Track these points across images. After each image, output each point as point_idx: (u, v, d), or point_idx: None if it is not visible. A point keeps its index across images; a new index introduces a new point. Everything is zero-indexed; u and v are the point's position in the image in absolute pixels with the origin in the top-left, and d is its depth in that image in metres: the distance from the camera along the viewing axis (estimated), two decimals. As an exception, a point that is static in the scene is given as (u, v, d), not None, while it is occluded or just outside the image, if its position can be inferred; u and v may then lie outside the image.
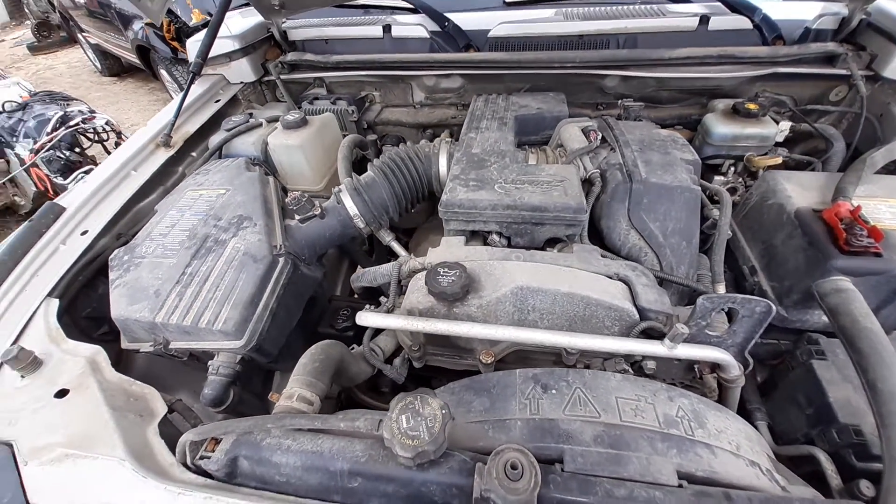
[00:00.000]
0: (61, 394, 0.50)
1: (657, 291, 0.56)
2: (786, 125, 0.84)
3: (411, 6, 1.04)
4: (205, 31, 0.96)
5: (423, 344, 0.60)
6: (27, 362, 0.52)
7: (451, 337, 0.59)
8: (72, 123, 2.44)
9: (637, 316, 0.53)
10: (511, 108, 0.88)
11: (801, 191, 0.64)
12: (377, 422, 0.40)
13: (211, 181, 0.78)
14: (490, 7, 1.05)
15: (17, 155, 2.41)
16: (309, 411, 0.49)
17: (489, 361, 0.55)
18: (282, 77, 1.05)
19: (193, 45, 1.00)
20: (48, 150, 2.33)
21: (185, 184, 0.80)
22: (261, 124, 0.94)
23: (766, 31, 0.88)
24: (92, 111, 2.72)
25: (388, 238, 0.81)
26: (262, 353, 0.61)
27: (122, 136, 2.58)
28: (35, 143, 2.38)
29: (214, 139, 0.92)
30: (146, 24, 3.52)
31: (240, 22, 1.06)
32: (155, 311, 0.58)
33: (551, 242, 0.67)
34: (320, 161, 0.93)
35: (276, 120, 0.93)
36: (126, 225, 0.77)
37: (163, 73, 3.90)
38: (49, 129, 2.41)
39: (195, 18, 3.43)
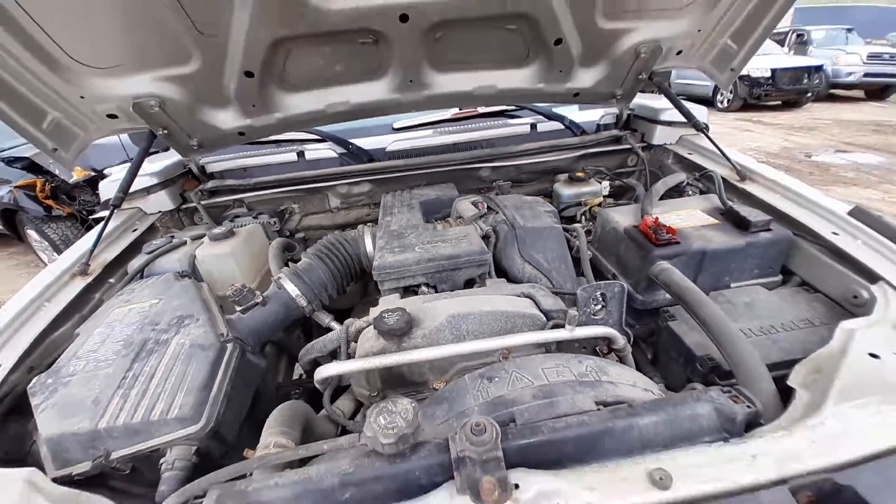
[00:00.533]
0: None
1: (553, 298, 0.73)
2: (606, 183, 1.19)
3: (319, 137, 1.28)
4: (121, 170, 1.04)
5: (381, 389, 0.66)
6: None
7: (406, 374, 0.66)
8: None
9: (544, 318, 0.69)
10: (415, 197, 1.09)
11: (623, 217, 0.92)
12: (358, 435, 0.46)
13: (139, 296, 0.80)
14: (383, 133, 1.34)
15: None
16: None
17: (442, 387, 0.64)
18: (202, 203, 1.15)
19: (108, 185, 1.07)
20: None
21: (109, 304, 0.79)
22: (185, 242, 1.00)
23: (574, 129, 1.30)
24: None
25: (326, 320, 0.88)
26: (218, 439, 0.60)
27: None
28: None
29: (135, 262, 0.94)
30: (15, 187, 3.40)
31: (156, 160, 1.17)
32: (96, 418, 0.55)
33: (468, 284, 0.82)
34: (250, 266, 1.00)
35: (200, 237, 1.00)
36: (40, 357, 0.72)
37: (30, 233, 3.65)
38: None
39: (76, 175, 3.41)
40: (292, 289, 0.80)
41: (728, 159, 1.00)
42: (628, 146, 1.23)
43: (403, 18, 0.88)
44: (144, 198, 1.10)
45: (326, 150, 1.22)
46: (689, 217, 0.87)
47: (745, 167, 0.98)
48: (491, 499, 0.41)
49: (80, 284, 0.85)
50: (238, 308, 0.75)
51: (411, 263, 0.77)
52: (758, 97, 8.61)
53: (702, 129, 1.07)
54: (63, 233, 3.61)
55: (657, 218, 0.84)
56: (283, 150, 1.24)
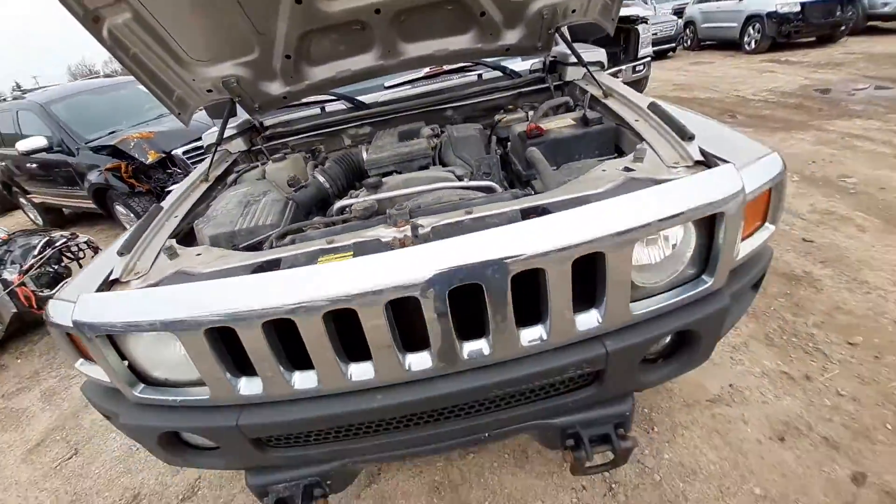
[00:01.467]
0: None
1: (465, 171, 1.29)
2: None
3: (334, 97, 1.87)
4: (217, 127, 1.69)
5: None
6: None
7: (379, 206, 1.25)
8: (58, 243, 2.94)
9: (457, 180, 1.25)
10: (396, 129, 1.67)
11: (520, 126, 1.44)
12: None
13: (241, 187, 1.44)
14: (378, 90, 1.91)
15: (2, 280, 2.81)
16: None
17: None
18: (264, 145, 1.79)
19: (209, 135, 1.72)
20: (38, 266, 2.79)
21: (224, 193, 1.44)
22: (258, 165, 1.64)
23: (512, 75, 1.80)
24: (74, 234, 3.25)
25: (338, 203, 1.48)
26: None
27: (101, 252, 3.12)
28: (21, 267, 2.83)
29: (233, 176, 1.59)
30: (105, 169, 4.25)
31: (234, 121, 1.82)
32: (232, 226, 1.19)
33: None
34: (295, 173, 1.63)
35: (265, 163, 1.64)
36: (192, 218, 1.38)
37: (118, 208, 4.55)
38: (36, 252, 2.90)
39: (151, 157, 4.24)
40: (321, 178, 1.41)
41: (598, 83, 1.48)
42: (545, 86, 1.72)
43: (377, 11, 1.42)
44: (229, 143, 1.74)
45: (339, 105, 1.82)
46: (560, 122, 1.38)
47: (610, 87, 1.46)
48: (401, 225, 0.98)
49: (203, 187, 1.50)
50: (291, 188, 1.38)
51: (385, 157, 1.35)
52: (787, 34, 8.26)
53: (585, 65, 1.55)
54: (145, 206, 4.49)
55: (536, 124, 1.36)
56: (312, 108, 1.85)
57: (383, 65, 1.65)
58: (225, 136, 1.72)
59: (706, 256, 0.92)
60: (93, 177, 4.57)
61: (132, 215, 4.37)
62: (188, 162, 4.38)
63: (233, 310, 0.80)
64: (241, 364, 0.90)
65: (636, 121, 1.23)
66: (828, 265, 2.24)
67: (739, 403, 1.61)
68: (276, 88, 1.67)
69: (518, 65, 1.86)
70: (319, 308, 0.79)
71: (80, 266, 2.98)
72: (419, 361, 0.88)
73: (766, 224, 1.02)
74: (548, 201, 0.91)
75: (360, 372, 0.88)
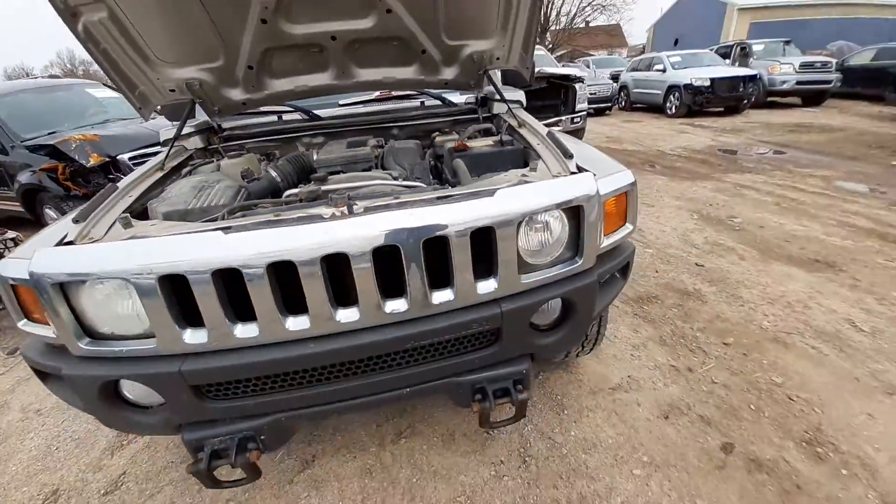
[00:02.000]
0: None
1: (399, 173, 1.51)
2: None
3: (291, 108, 2.06)
4: (176, 125, 1.81)
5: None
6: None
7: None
8: None
9: (394, 182, 1.46)
10: (345, 140, 1.88)
11: (451, 143, 1.71)
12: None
13: (196, 176, 1.56)
14: (333, 107, 2.13)
15: None
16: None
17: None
18: (220, 145, 1.92)
19: (167, 132, 1.83)
20: None
21: (179, 180, 1.55)
22: (213, 161, 1.77)
23: (450, 105, 2.10)
24: (2, 230, 3.10)
25: (288, 192, 1.64)
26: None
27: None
28: None
29: (187, 168, 1.70)
30: (40, 169, 4.09)
31: (192, 121, 1.94)
32: (188, 204, 1.31)
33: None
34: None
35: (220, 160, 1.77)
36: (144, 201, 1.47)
37: (48, 212, 4.37)
38: None
39: (93, 160, 4.14)
40: (273, 173, 1.57)
41: (515, 117, 1.80)
42: (476, 116, 2.03)
43: (333, 38, 1.66)
44: (186, 140, 1.86)
45: (296, 115, 2.01)
46: (481, 142, 1.66)
47: (524, 120, 1.77)
48: (340, 205, 1.16)
49: (159, 175, 1.60)
50: (244, 179, 1.52)
51: (333, 158, 1.55)
52: (700, 104, 9.61)
53: (506, 102, 1.87)
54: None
55: (463, 142, 1.63)
56: (269, 116, 2.02)
57: (337, 84, 1.88)
58: (183, 133, 1.84)
59: (577, 243, 1.18)
60: (24, 177, 4.34)
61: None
62: (133, 168, 4.30)
63: (188, 258, 0.93)
64: (186, 317, 1.01)
65: (538, 144, 1.53)
66: (713, 284, 2.66)
67: (635, 390, 1.87)
68: (236, 95, 1.84)
69: (456, 97, 2.17)
70: (265, 259, 0.94)
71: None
72: (348, 315, 1.04)
73: (626, 224, 1.32)
74: (457, 192, 1.14)
75: (298, 323, 1.03)
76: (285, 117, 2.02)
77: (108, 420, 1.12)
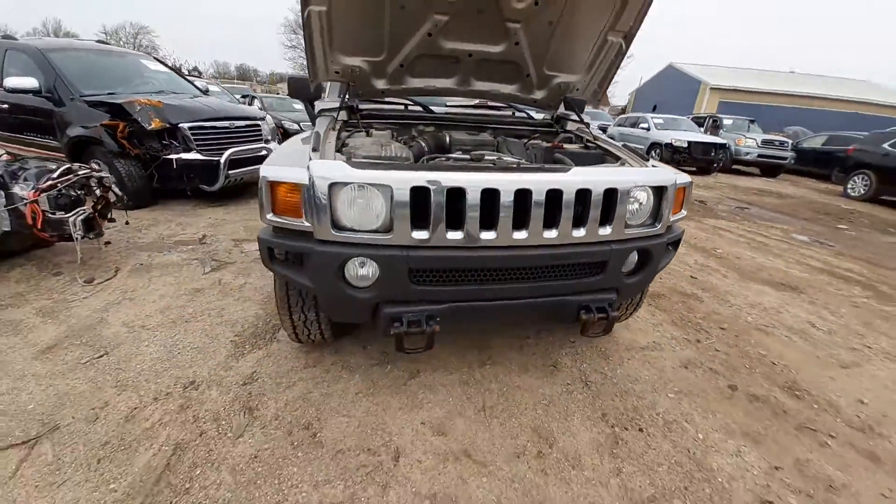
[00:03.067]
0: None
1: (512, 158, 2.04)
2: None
3: (414, 102, 2.57)
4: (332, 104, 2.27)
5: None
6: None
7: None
8: (81, 172, 3.04)
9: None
10: (465, 132, 2.40)
11: (546, 145, 2.27)
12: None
13: (365, 137, 2.02)
14: (441, 105, 2.66)
15: (10, 195, 2.84)
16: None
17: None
18: (360, 121, 2.39)
19: (324, 104, 2.29)
20: (62, 188, 2.89)
21: (353, 139, 2.01)
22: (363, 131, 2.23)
23: (532, 118, 2.68)
24: (94, 167, 3.37)
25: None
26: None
27: (114, 192, 3.21)
28: (33, 186, 2.89)
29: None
30: (102, 124, 4.36)
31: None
32: (382, 152, 1.78)
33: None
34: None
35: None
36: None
37: (94, 165, 4.53)
38: (56, 175, 2.98)
39: (154, 125, 4.46)
40: (422, 143, 2.07)
41: (587, 133, 2.40)
42: (554, 129, 2.63)
43: (470, 55, 2.22)
44: (337, 112, 2.33)
45: (417, 108, 2.52)
46: (571, 146, 2.24)
47: (596, 135, 2.37)
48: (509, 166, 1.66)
49: (333, 133, 2.05)
50: (407, 146, 2.01)
51: (467, 139, 2.07)
52: (678, 161, 10.83)
53: (585, 123, 2.48)
54: (128, 170, 4.53)
55: (559, 143, 2.19)
56: (395, 105, 2.53)
57: (456, 89, 2.42)
58: (329, 108, 2.31)
59: (657, 214, 1.74)
60: (76, 130, 4.55)
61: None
62: (192, 138, 4.59)
63: (434, 177, 1.41)
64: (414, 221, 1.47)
65: (616, 150, 2.12)
66: (707, 291, 3.31)
67: (659, 350, 2.42)
68: (380, 84, 2.34)
69: (533, 113, 2.77)
70: (481, 186, 1.43)
71: (89, 199, 3.05)
72: (521, 235, 1.53)
73: (682, 210, 1.90)
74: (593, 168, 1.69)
75: (488, 235, 1.50)
76: (410, 107, 2.53)
77: (333, 294, 1.53)
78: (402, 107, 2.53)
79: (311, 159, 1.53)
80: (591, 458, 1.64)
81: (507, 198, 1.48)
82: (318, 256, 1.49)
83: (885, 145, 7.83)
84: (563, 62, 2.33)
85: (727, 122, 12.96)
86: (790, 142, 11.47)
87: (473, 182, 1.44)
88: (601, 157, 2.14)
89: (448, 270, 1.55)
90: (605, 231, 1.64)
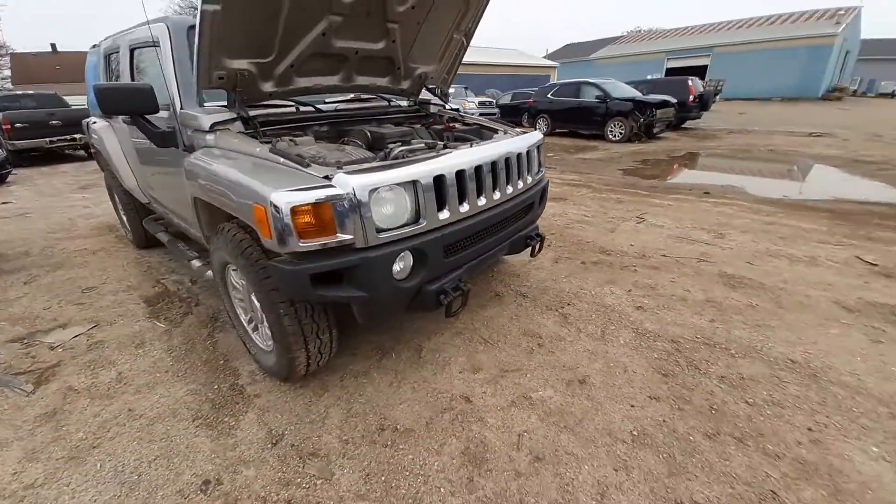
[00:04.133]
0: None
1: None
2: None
3: (303, 103, 2.43)
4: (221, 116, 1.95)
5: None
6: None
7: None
8: None
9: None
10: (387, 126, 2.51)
11: (439, 127, 2.71)
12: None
13: (307, 146, 1.92)
14: (320, 102, 2.61)
15: None
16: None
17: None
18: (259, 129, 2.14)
19: (213, 117, 1.94)
20: None
21: (306, 145, 1.87)
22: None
23: (402, 107, 3.01)
24: None
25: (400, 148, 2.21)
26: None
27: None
28: None
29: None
30: None
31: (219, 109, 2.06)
32: (348, 157, 1.81)
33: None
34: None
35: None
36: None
37: None
38: None
39: None
40: (359, 142, 2.13)
41: (447, 113, 2.97)
42: (421, 113, 3.06)
43: (356, 52, 2.34)
44: (231, 124, 2.01)
45: (307, 108, 2.42)
46: (458, 125, 2.75)
47: (458, 114, 2.97)
48: (466, 145, 2.05)
49: (257, 146, 1.85)
50: (343, 145, 2.04)
51: (393, 133, 2.28)
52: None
53: (456, 109, 3.01)
54: None
55: (450, 125, 2.67)
56: (286, 106, 2.34)
57: (340, 85, 2.49)
58: (224, 119, 2.01)
59: (539, 164, 2.54)
60: None
61: None
62: None
63: (443, 167, 1.69)
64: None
65: (489, 123, 2.79)
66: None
67: (539, 259, 3.41)
68: (267, 87, 2.16)
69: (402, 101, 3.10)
70: (476, 164, 1.81)
71: None
72: (497, 195, 2.00)
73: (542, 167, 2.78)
74: (511, 138, 2.28)
75: (482, 200, 1.91)
76: (301, 108, 2.40)
77: (386, 295, 1.62)
78: (293, 109, 2.38)
79: (329, 175, 1.51)
80: (563, 330, 2.40)
81: (487, 168, 1.91)
82: (372, 263, 1.55)
83: (549, 95, 11.71)
84: (423, 56, 2.74)
85: (451, 90, 15.93)
86: (494, 100, 15.27)
87: (471, 161, 1.80)
88: (479, 130, 2.77)
89: (463, 238, 1.88)
90: (528, 180, 2.31)
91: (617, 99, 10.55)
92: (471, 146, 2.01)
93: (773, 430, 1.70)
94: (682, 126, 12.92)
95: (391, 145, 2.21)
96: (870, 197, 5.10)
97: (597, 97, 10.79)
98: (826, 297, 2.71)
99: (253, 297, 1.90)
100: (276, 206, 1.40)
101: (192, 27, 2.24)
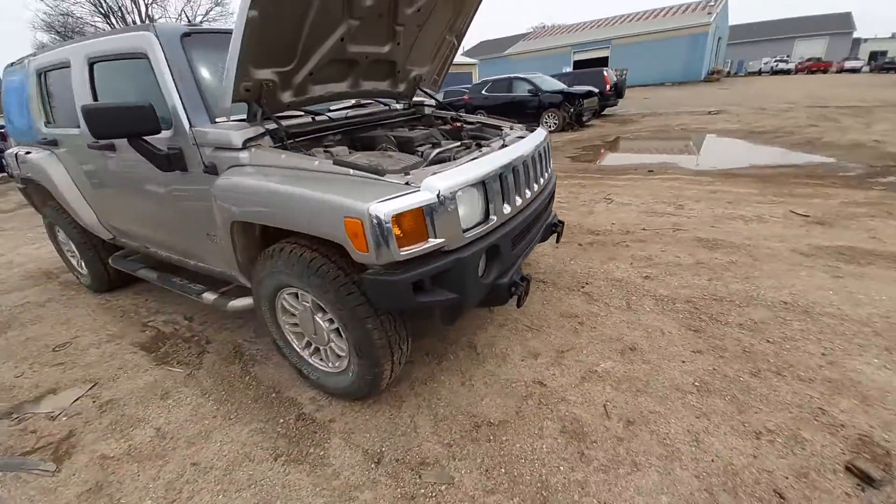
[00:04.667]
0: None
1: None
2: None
3: (315, 112, 2.32)
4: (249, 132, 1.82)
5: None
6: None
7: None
8: None
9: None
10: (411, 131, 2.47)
11: (446, 127, 2.75)
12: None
13: (358, 155, 1.86)
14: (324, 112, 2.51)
15: None
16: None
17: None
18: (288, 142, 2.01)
19: (243, 134, 1.80)
20: None
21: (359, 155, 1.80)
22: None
23: (399, 110, 2.99)
24: None
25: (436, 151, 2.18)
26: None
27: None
28: None
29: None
30: None
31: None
32: (405, 162, 1.80)
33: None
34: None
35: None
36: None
37: None
38: None
39: None
40: (392, 149, 2.10)
41: (447, 113, 3.02)
42: (417, 115, 3.06)
43: (366, 56, 2.30)
44: (262, 139, 1.87)
45: (322, 118, 2.31)
46: (467, 126, 2.81)
47: (456, 115, 3.03)
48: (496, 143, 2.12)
49: (315, 160, 1.76)
50: (388, 152, 2.00)
51: (419, 136, 2.28)
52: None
53: (444, 106, 3.05)
54: None
55: (457, 125, 2.72)
56: (299, 116, 2.22)
57: (349, 91, 2.43)
58: (254, 136, 1.87)
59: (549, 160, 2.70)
60: None
61: None
62: None
63: (505, 163, 1.76)
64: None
65: (491, 121, 2.89)
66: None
67: (553, 248, 3.59)
68: (286, 97, 2.05)
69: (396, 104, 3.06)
70: (523, 159, 1.90)
71: None
72: (536, 187, 2.11)
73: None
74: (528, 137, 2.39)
75: (527, 194, 2.00)
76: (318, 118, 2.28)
77: (475, 294, 1.65)
78: (309, 119, 2.26)
79: (408, 181, 1.50)
80: (593, 307, 2.59)
81: (529, 162, 2.01)
82: (465, 264, 1.57)
83: (483, 91, 12.08)
84: (418, 58, 2.76)
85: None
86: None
87: (520, 156, 1.89)
88: (482, 128, 2.85)
89: (521, 230, 1.96)
90: (547, 173, 2.45)
91: (547, 92, 11.21)
92: (506, 143, 2.09)
93: (798, 360, 2.02)
94: (602, 113, 14.09)
95: (420, 148, 2.22)
96: (778, 161, 6.06)
97: (528, 91, 11.37)
98: (784, 247, 3.22)
99: (318, 319, 1.82)
100: (376, 217, 1.37)
101: (186, 35, 2.04)
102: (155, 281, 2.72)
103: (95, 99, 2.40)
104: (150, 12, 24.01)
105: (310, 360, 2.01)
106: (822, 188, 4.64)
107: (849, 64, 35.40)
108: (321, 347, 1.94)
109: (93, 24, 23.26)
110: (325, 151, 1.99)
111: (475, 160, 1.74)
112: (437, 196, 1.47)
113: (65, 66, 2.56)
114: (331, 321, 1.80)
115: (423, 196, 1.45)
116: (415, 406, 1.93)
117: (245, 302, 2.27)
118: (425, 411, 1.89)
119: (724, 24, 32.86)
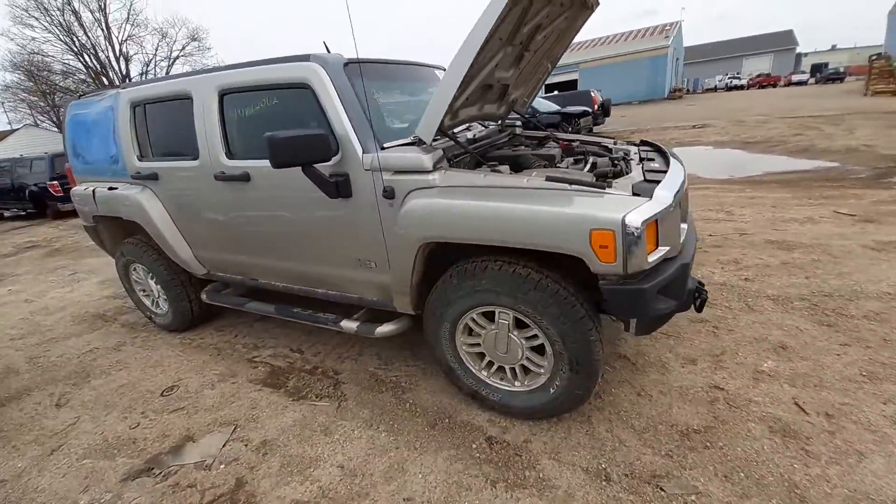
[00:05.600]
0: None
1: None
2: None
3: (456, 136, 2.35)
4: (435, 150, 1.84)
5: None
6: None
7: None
8: None
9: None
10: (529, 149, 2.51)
11: (556, 147, 2.84)
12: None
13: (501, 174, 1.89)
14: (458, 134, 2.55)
15: None
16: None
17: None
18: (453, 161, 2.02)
19: (431, 158, 1.81)
20: None
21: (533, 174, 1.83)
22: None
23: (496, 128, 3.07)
24: None
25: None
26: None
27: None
28: None
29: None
30: None
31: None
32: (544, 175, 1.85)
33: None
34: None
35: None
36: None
37: None
38: None
39: None
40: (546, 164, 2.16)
41: (543, 131, 3.13)
42: (511, 135, 3.15)
43: (498, 81, 2.37)
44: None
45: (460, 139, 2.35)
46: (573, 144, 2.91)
47: (548, 133, 3.13)
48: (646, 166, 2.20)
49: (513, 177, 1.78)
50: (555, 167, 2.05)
51: (546, 154, 2.34)
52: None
53: (543, 127, 3.15)
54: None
55: (566, 144, 2.82)
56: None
57: (477, 114, 2.48)
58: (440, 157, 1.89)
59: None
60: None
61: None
62: None
63: (675, 184, 1.83)
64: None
65: (593, 139, 3.00)
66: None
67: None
68: (447, 121, 2.09)
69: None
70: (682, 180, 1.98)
71: None
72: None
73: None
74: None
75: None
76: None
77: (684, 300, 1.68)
78: (451, 142, 2.29)
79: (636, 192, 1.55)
80: (717, 312, 2.67)
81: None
82: (686, 271, 1.62)
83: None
84: (521, 82, 2.87)
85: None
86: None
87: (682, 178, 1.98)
88: (590, 144, 2.96)
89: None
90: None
91: (545, 113, 11.69)
92: (643, 157, 2.18)
93: (941, 345, 2.15)
94: (591, 131, 14.74)
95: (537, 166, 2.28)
96: (789, 167, 6.50)
97: (527, 112, 11.81)
98: (852, 244, 3.44)
99: (513, 336, 1.80)
100: (630, 227, 1.40)
101: (348, 63, 2.06)
102: (272, 313, 2.61)
103: (225, 131, 2.35)
104: (125, 49, 23.66)
105: (488, 381, 1.97)
106: (846, 189, 5.01)
107: (795, 77, 38.83)
108: (507, 366, 1.91)
109: (63, 61, 22.67)
110: (492, 171, 2.02)
111: (671, 173, 1.81)
112: (668, 205, 1.52)
113: (179, 97, 2.50)
114: (529, 338, 1.79)
115: (657, 205, 1.50)
116: (605, 420, 1.91)
117: (391, 327, 2.22)
118: (619, 424, 1.88)
119: (680, 46, 35.49)
